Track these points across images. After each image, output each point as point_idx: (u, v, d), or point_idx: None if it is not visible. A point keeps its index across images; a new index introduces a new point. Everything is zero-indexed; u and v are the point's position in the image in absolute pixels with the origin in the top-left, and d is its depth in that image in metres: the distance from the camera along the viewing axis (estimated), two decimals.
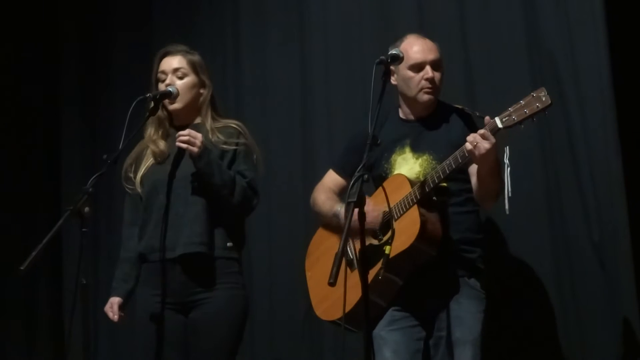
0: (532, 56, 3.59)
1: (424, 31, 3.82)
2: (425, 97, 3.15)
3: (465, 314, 3.02)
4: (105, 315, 3.22)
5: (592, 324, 3.35)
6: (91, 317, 3.30)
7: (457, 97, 3.43)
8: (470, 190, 3.09)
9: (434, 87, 3.14)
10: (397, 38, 3.23)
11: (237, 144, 3.18)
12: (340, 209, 3.21)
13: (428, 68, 3.13)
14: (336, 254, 2.47)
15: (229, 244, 3.14)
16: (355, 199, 2.52)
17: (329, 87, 4.24)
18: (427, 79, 3.12)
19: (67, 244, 4.88)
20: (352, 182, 2.56)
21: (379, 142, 2.78)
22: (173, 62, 3.24)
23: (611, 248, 3.31)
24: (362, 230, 2.57)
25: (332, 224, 3.27)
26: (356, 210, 2.69)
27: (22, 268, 2.68)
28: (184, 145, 3.04)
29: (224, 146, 3.17)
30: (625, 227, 3.27)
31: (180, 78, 3.22)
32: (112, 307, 3.19)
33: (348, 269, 3.04)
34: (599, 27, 3.38)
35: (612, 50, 3.34)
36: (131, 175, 3.24)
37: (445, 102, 3.22)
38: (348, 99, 4.12)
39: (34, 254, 2.70)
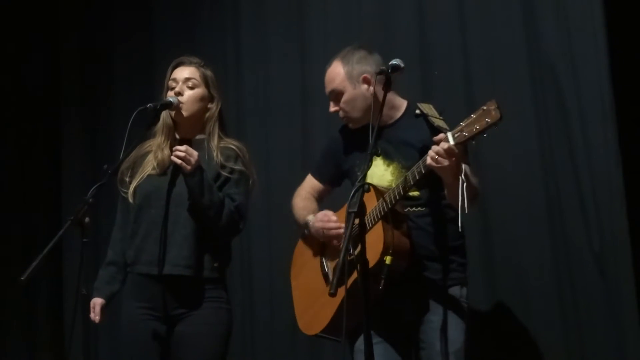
0: (533, 69, 3.58)
1: (424, 45, 3.83)
2: (350, 124, 3.13)
3: (447, 325, 2.95)
4: (106, 325, 3.21)
5: (592, 333, 3.34)
6: (92, 327, 3.28)
7: (458, 108, 3.42)
8: (445, 197, 2.95)
9: (344, 116, 3.10)
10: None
11: (231, 170, 3.15)
12: (311, 219, 3.17)
13: (331, 102, 3.10)
14: (336, 264, 2.47)
15: (215, 265, 3.11)
16: (355, 209, 2.51)
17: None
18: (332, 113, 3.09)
19: (67, 254, 4.87)
20: (352, 192, 2.55)
21: (379, 152, 2.76)
22: (185, 71, 3.23)
23: (611, 257, 3.31)
24: (362, 240, 2.56)
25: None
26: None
27: (22, 279, 2.67)
28: (178, 161, 3.02)
29: (220, 170, 3.14)
30: (625, 236, 3.27)
31: (191, 88, 3.20)
32: (94, 308, 3.16)
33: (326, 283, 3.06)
34: (599, 39, 3.38)
35: (612, 62, 3.35)
36: (127, 179, 3.21)
37: (416, 103, 3.05)
38: None
39: (34, 264, 2.68)
